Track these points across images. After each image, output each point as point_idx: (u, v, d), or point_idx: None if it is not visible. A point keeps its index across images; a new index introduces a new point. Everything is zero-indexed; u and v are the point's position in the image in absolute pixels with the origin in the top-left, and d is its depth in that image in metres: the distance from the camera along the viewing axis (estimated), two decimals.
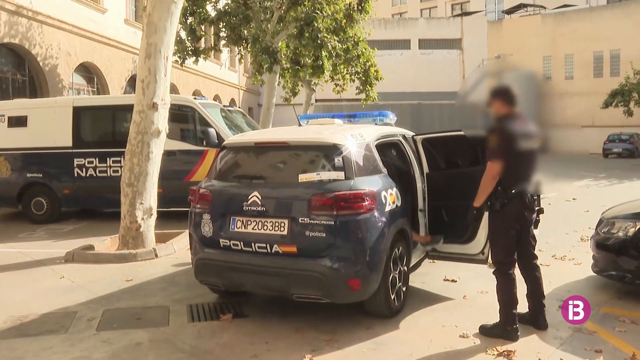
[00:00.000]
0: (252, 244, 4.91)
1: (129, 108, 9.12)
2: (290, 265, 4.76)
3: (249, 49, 17.33)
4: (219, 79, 31.82)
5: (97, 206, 11.88)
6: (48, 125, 11.28)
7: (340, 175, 4.83)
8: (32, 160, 11.41)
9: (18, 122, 11.45)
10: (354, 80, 22.48)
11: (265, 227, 4.90)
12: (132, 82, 20.87)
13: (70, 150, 11.15)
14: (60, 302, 5.87)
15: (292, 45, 18.13)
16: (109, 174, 10.89)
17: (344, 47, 19.38)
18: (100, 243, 8.42)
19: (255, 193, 4.94)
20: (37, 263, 7.81)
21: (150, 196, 8.20)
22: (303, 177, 4.88)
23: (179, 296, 6.07)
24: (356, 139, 5.20)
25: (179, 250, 8.20)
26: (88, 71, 19.17)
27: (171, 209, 10.32)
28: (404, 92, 37.43)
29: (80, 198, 11.32)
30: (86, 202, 11.54)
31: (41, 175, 11.36)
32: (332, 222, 4.64)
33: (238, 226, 5.03)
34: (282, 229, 4.83)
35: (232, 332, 4.90)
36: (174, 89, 22.73)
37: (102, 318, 5.40)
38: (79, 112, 11.30)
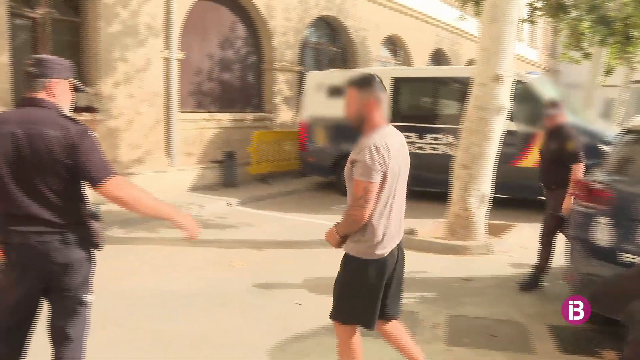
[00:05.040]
0: None
1: (451, 81, 9.10)
2: None
3: (567, 20, 15.12)
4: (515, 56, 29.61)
5: (411, 184, 11.27)
6: None
7: None
8: (348, 131, 11.24)
9: (337, 92, 11.40)
10: None
11: None
12: (434, 57, 20.43)
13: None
14: None
15: (621, 14, 15.34)
16: (426, 151, 10.21)
17: None
18: (421, 228, 7.68)
19: None
20: None
21: (487, 181, 7.16)
22: None
23: (532, 310, 4.98)
24: None
25: (514, 247, 7.05)
26: (393, 43, 19.05)
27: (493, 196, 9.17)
28: None
29: None
30: None
31: None
32: None
33: None
34: None
35: None
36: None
37: (449, 328, 4.56)
38: (397, 84, 10.76)
